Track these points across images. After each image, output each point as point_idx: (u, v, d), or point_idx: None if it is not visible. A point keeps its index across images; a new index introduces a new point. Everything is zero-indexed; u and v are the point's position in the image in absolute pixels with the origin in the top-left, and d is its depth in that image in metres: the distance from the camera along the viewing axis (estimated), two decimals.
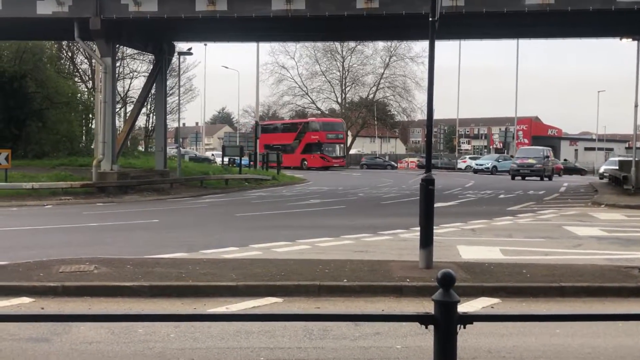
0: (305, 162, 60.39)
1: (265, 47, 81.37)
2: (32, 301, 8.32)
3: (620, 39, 32.02)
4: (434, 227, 10.14)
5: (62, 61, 51.68)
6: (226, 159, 46.02)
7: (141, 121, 55.51)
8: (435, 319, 3.52)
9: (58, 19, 27.09)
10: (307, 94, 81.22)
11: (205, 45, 59.12)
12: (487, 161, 60.06)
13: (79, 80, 52.96)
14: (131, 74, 55.36)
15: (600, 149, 74.96)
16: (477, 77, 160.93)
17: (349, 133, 76.25)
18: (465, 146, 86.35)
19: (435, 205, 10.35)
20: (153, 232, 15.54)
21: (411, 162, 71.88)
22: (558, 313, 6.85)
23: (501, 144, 71.65)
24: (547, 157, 46.14)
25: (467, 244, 13.18)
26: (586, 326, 7.11)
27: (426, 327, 3.54)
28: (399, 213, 20.45)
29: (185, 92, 61.78)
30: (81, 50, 47.97)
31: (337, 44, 75.10)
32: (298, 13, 25.98)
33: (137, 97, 38.99)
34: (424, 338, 6.41)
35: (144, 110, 48.41)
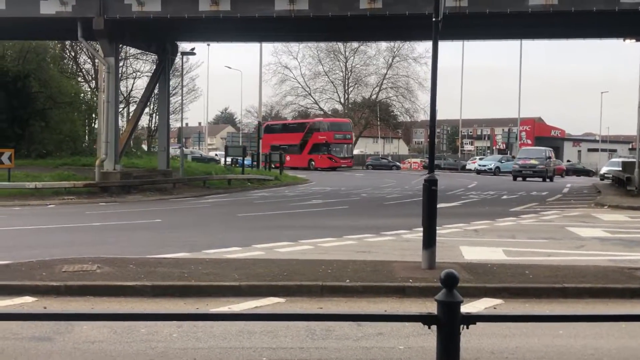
0: (313, 163, 60.03)
1: (268, 47, 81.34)
2: (34, 300, 8.33)
3: (624, 40, 31.98)
4: (437, 227, 10.13)
5: (65, 61, 51.79)
6: (229, 159, 46.06)
7: (144, 121, 55.62)
8: (438, 319, 3.51)
9: (61, 18, 27.13)
10: (310, 94, 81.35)
11: (208, 45, 59.27)
12: (490, 162, 60.02)
13: (82, 80, 53.08)
14: (134, 74, 55.48)
15: (603, 150, 74.87)
16: (479, 78, 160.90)
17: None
18: (468, 147, 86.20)
19: (438, 205, 10.34)
20: (156, 231, 15.55)
21: (414, 162, 71.88)
22: (561, 314, 6.84)
23: (504, 145, 71.60)
24: (549, 157, 45.91)
25: (469, 245, 13.16)
26: (589, 327, 7.09)
27: (429, 328, 3.54)
28: (401, 213, 20.44)
29: (188, 92, 61.91)
30: (84, 50, 48.07)
31: (340, 45, 75.15)
32: (301, 13, 25.97)
33: (140, 97, 38.99)
34: (427, 339, 6.41)
35: (146, 110, 48.46)
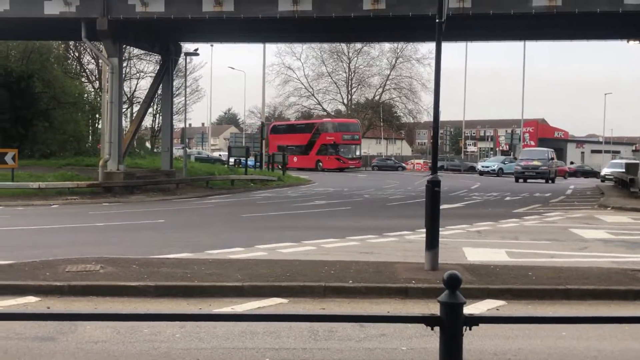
0: (321, 164, 59.53)
1: (272, 48, 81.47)
2: (38, 300, 8.35)
3: (628, 42, 31.95)
4: (440, 228, 10.12)
5: (69, 61, 51.87)
6: (232, 160, 46.07)
7: (147, 121, 55.68)
8: (441, 320, 3.51)
9: (65, 19, 27.18)
10: (313, 95, 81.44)
11: (212, 46, 59.33)
12: (493, 163, 59.98)
13: (86, 81, 53.14)
14: (138, 75, 55.53)
15: (607, 151, 74.74)
16: (483, 79, 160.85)
17: None
18: (471, 148, 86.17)
19: (441, 207, 10.34)
20: (159, 232, 15.57)
21: (417, 163, 71.90)
22: (564, 315, 6.83)
23: (507, 146, 71.53)
24: (552, 158, 45.60)
25: (472, 246, 13.15)
26: (592, 329, 7.09)
27: (432, 329, 3.54)
28: (404, 214, 20.43)
29: (192, 92, 61.87)
30: (88, 50, 48.08)
31: (344, 45, 75.20)
32: (304, 14, 25.98)
33: (143, 98, 39.09)
34: (430, 340, 6.41)
35: (150, 110, 48.56)
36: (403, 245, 13.41)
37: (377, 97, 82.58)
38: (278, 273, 9.39)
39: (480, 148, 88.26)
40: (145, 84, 52.79)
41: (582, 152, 78.28)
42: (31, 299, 8.40)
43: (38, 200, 24.10)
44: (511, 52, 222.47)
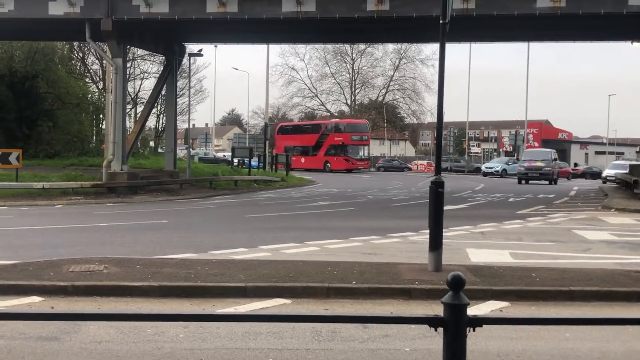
0: (329, 165, 58.87)
1: (275, 48, 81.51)
2: (42, 300, 8.37)
3: (632, 43, 31.89)
4: (444, 229, 10.11)
5: (73, 62, 51.96)
6: (236, 160, 46.08)
7: (151, 122, 55.71)
8: (444, 321, 3.51)
9: (69, 19, 27.23)
10: (316, 95, 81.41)
11: (216, 46, 59.39)
12: (496, 164, 59.89)
13: (90, 81, 53.24)
14: (142, 75, 55.58)
15: (610, 153, 74.63)
16: (487, 80, 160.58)
17: None
18: (475, 149, 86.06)
19: (445, 208, 10.33)
20: (162, 232, 15.59)
21: (420, 164, 71.90)
22: (568, 317, 6.82)
23: (511, 147, 71.44)
24: (555, 159, 45.30)
25: (476, 247, 13.14)
26: (596, 330, 7.08)
27: (435, 330, 3.54)
28: (408, 215, 20.42)
29: (196, 93, 61.95)
30: (92, 51, 48.21)
31: (347, 46, 75.14)
32: (308, 15, 25.99)
33: (147, 98, 39.12)
34: (433, 341, 6.40)
35: (154, 111, 48.56)
36: (406, 246, 13.40)
37: (380, 98, 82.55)
38: (281, 274, 9.39)
39: (484, 149, 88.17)
40: (149, 84, 52.90)
41: (586, 154, 78.20)
42: (35, 298, 8.41)
43: (42, 201, 24.15)
44: (515, 53, 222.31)
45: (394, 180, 45.80)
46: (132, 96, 52.52)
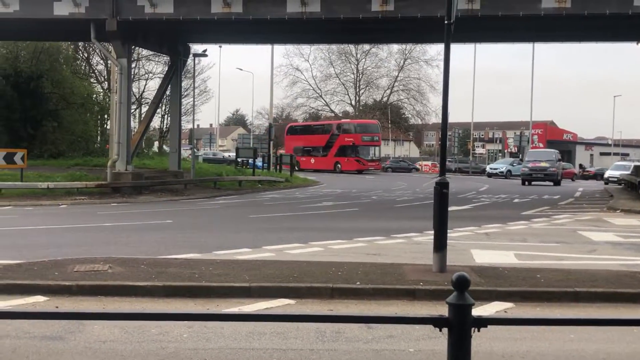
0: (339, 165, 58.13)
1: (280, 49, 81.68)
2: (46, 300, 8.38)
3: (637, 44, 31.80)
4: (448, 230, 10.09)
5: (78, 62, 52.10)
6: (240, 160, 46.06)
7: (156, 122, 55.84)
8: (449, 321, 3.50)
9: (75, 20, 27.30)
10: (321, 96, 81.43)
11: (220, 47, 59.45)
12: (501, 165, 59.81)
13: (95, 81, 53.37)
14: (146, 75, 55.71)
15: (615, 154, 74.45)
16: (491, 80, 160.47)
17: None
18: (479, 150, 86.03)
19: (450, 208, 10.31)
20: (167, 232, 15.60)
21: (425, 165, 71.89)
22: (572, 317, 6.80)
23: (516, 148, 71.34)
24: (559, 160, 44.91)
25: (481, 248, 13.11)
26: (601, 332, 7.05)
27: (440, 330, 3.53)
28: (412, 216, 20.40)
29: (200, 93, 62.02)
30: (97, 51, 48.29)
31: (352, 47, 75.16)
32: (313, 15, 26.00)
33: (152, 98, 39.23)
34: (437, 342, 6.40)
35: (158, 111, 48.71)
36: (411, 247, 13.38)
37: (385, 99, 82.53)
38: (285, 274, 9.39)
39: (488, 150, 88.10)
40: (153, 84, 52.99)
41: (591, 155, 78.00)
42: (40, 298, 8.43)
43: (47, 200, 24.20)
44: (520, 54, 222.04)
45: (398, 181, 45.77)
46: (137, 96, 52.63)
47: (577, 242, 14.51)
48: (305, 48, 76.39)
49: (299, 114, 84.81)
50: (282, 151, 68.00)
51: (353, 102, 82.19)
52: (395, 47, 75.27)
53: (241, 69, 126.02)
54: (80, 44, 48.88)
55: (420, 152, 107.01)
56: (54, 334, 6.77)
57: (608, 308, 8.42)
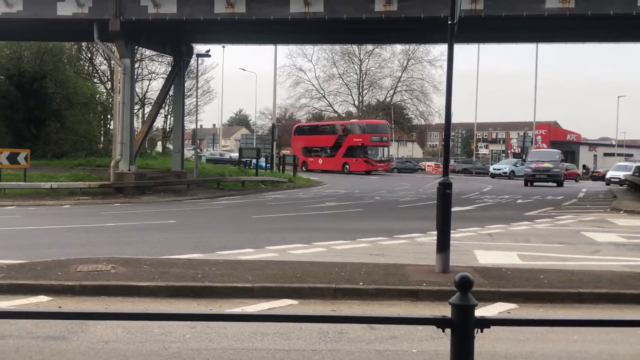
0: (347, 166, 57.52)
1: (283, 49, 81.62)
2: (49, 300, 8.39)
3: None
4: (451, 231, 10.08)
5: (81, 62, 52.16)
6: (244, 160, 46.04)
7: (159, 122, 55.82)
8: (452, 322, 3.49)
9: (78, 20, 27.33)
10: (324, 96, 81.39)
11: (223, 47, 59.40)
12: (504, 166, 59.74)
13: (98, 81, 53.42)
14: (150, 76, 55.74)
15: (619, 154, 74.32)
16: (495, 81, 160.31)
17: None
18: (483, 150, 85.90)
19: (453, 209, 10.30)
20: (169, 232, 15.61)
21: (428, 165, 71.88)
22: (576, 318, 6.79)
23: (519, 149, 71.27)
24: (563, 160, 44.55)
25: (484, 249, 13.10)
26: (604, 333, 7.03)
27: (443, 331, 3.52)
28: (415, 217, 20.39)
29: (203, 94, 62.06)
30: (100, 51, 48.40)
31: (355, 47, 75.11)
32: (316, 16, 25.99)
33: (155, 99, 39.22)
34: (441, 342, 6.38)
35: (162, 111, 48.67)
36: (414, 247, 13.37)
37: (388, 99, 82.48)
38: (288, 274, 9.38)
39: (492, 150, 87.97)
40: (157, 85, 53.04)
41: (595, 155, 77.90)
42: (43, 298, 8.43)
43: (50, 200, 24.23)
44: (524, 54, 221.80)
45: (401, 182, 45.74)
46: (140, 97, 52.67)
47: (580, 243, 14.48)
48: (309, 48, 76.44)
49: (302, 114, 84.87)
50: (285, 151, 67.92)
51: (356, 103, 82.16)
52: (398, 47, 75.27)
53: (244, 70, 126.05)
54: (84, 44, 48.94)
55: (423, 153, 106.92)
56: (57, 334, 6.78)
57: (612, 309, 8.40)
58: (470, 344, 3.50)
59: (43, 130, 41.12)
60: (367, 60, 79.95)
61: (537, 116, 64.75)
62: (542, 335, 6.98)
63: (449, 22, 9.89)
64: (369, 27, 28.67)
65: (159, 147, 60.08)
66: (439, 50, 79.97)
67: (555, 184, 41.21)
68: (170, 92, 35.27)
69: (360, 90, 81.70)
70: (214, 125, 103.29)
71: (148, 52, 50.19)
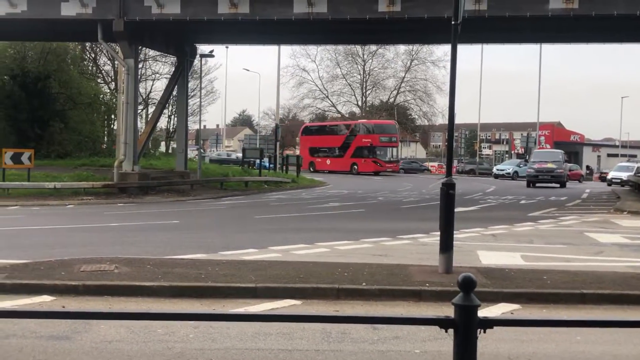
0: (356, 167, 57.05)
1: (286, 50, 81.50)
2: (53, 299, 8.41)
3: None
4: (454, 232, 10.07)
5: (85, 62, 52.26)
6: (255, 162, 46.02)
7: (162, 123, 55.94)
8: (455, 322, 3.49)
9: (82, 20, 27.37)
10: (327, 97, 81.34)
11: (227, 47, 59.44)
12: (508, 166, 59.67)
13: (102, 82, 53.51)
14: (153, 76, 55.82)
15: (623, 155, 74.17)
16: (498, 81, 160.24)
17: None
18: (486, 151, 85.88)
19: (456, 210, 10.29)
20: (173, 232, 15.63)
21: (432, 166, 71.86)
22: (579, 319, 6.78)
23: (523, 149, 71.18)
24: (566, 161, 44.16)
25: (487, 250, 13.09)
26: (608, 334, 7.03)
27: (446, 331, 3.52)
28: (418, 217, 20.38)
29: (207, 94, 62.05)
30: (104, 51, 48.45)
31: (358, 47, 75.05)
32: (320, 16, 26.00)
33: (159, 99, 39.25)
34: (443, 343, 6.38)
35: (165, 111, 48.78)
36: (417, 248, 13.37)
37: (391, 100, 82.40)
38: (291, 274, 9.39)
39: (495, 151, 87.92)
40: (160, 85, 53.07)
41: (599, 156, 77.73)
42: (46, 298, 8.45)
43: (53, 200, 24.28)
44: (527, 54, 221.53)
45: (404, 182, 45.72)
46: (144, 97, 52.74)
47: (584, 243, 14.46)
48: (312, 49, 76.37)
49: (306, 114, 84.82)
50: (288, 151, 67.84)
51: (359, 103, 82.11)
52: (402, 47, 75.18)
53: (248, 70, 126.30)
54: (88, 44, 49.01)
55: (426, 153, 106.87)
56: (61, 334, 6.79)
57: (615, 310, 8.39)
58: (473, 344, 3.50)
59: (47, 131, 41.20)
60: (370, 60, 79.93)
61: (541, 117, 64.71)
62: (545, 336, 6.97)
63: (453, 22, 9.88)
64: (372, 27, 28.66)
65: (162, 148, 60.15)
66: (442, 50, 80.00)
67: (558, 185, 40.56)
68: (174, 93, 35.31)
69: (364, 91, 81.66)
70: (218, 125, 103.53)
71: (152, 53, 50.29)
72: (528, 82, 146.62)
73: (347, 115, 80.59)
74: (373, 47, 74.59)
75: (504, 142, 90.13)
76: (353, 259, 11.38)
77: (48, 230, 15.98)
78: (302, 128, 66.88)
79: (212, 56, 38.24)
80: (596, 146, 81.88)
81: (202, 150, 40.81)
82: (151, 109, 49.25)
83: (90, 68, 53.22)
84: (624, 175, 43.39)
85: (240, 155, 64.58)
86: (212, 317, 5.23)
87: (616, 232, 16.81)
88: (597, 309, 8.44)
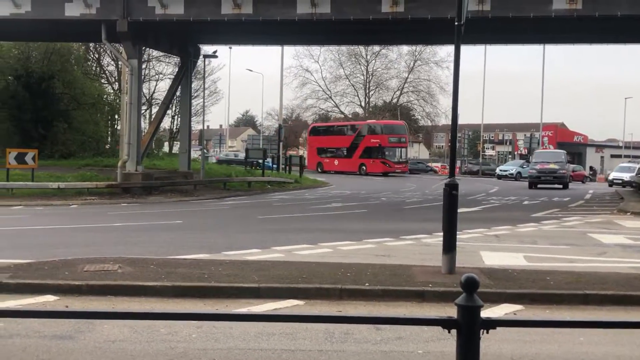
0: (364, 167, 56.43)
1: (290, 50, 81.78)
2: (57, 299, 8.43)
3: None
4: (457, 232, 10.08)
5: (89, 62, 52.35)
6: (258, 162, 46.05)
7: (166, 123, 55.96)
8: (458, 323, 3.50)
9: (86, 21, 27.43)
10: (330, 97, 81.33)
11: (230, 48, 59.50)
12: (511, 167, 59.61)
13: (106, 82, 53.61)
14: (157, 76, 55.90)
15: (627, 156, 74.04)
16: (502, 82, 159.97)
17: None
18: (489, 152, 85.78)
19: (459, 210, 10.29)
20: (176, 233, 15.65)
21: (435, 166, 71.84)
22: (582, 319, 6.77)
23: (526, 150, 71.10)
24: (569, 161, 43.85)
25: (490, 250, 13.08)
26: (611, 334, 7.02)
27: (449, 332, 3.52)
28: (421, 218, 20.37)
29: (210, 94, 62.12)
30: (108, 52, 48.54)
31: (362, 48, 75.07)
32: (323, 17, 26.00)
33: (162, 99, 39.35)
34: (446, 343, 6.39)
35: (169, 112, 48.78)
36: (420, 248, 13.37)
37: (395, 100, 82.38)
38: (294, 275, 9.39)
39: (498, 152, 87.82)
40: (164, 85, 53.16)
41: (602, 157, 77.62)
42: (50, 297, 8.48)
43: (57, 200, 24.32)
44: (530, 55, 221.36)
45: (407, 183, 45.70)
46: (147, 97, 52.82)
47: (587, 244, 14.44)
48: (315, 49, 76.40)
49: (309, 115, 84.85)
50: (291, 152, 67.80)
51: (363, 104, 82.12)
52: (405, 48, 75.21)
53: (251, 70, 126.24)
54: (91, 44, 49.09)
55: (429, 154, 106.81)
56: (64, 333, 6.81)
57: (618, 311, 8.38)
58: (476, 345, 3.50)
59: (51, 131, 41.29)
60: (373, 61, 79.92)
61: (544, 117, 64.57)
62: (548, 337, 6.97)
63: (456, 23, 9.88)
64: (375, 28, 28.66)
65: (166, 148, 60.21)
66: (445, 51, 79.96)
67: (561, 186, 39.81)
68: (178, 93, 35.35)
69: (367, 91, 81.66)
70: (221, 125, 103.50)
71: (155, 53, 50.32)
72: (531, 83, 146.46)
73: (350, 116, 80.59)
74: (376, 48, 74.62)
75: (507, 143, 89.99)
76: (356, 259, 11.38)
77: (52, 230, 16.02)
78: (310, 128, 66.70)
79: (216, 56, 38.28)
80: (599, 147, 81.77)
81: (205, 151, 40.81)
82: (155, 109, 49.30)
83: (94, 68, 53.31)
84: (626, 176, 43.31)
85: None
86: (215, 317, 5.24)
87: (619, 232, 16.79)
88: (600, 309, 8.43)
